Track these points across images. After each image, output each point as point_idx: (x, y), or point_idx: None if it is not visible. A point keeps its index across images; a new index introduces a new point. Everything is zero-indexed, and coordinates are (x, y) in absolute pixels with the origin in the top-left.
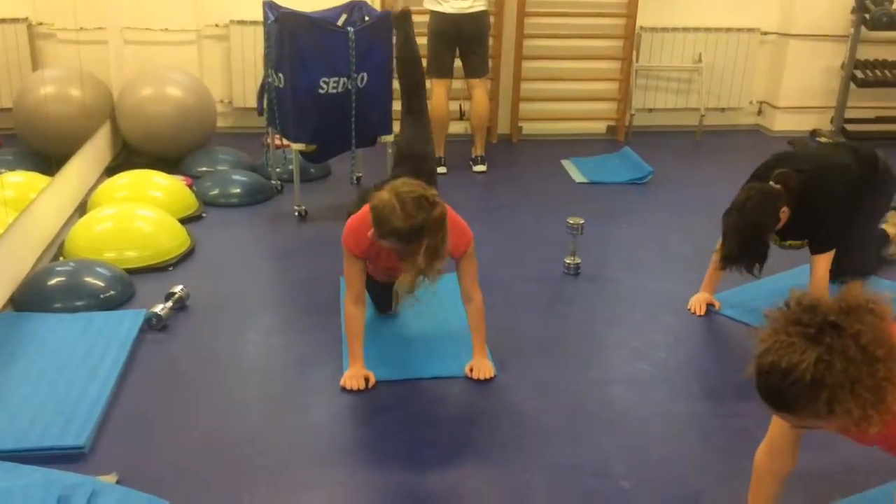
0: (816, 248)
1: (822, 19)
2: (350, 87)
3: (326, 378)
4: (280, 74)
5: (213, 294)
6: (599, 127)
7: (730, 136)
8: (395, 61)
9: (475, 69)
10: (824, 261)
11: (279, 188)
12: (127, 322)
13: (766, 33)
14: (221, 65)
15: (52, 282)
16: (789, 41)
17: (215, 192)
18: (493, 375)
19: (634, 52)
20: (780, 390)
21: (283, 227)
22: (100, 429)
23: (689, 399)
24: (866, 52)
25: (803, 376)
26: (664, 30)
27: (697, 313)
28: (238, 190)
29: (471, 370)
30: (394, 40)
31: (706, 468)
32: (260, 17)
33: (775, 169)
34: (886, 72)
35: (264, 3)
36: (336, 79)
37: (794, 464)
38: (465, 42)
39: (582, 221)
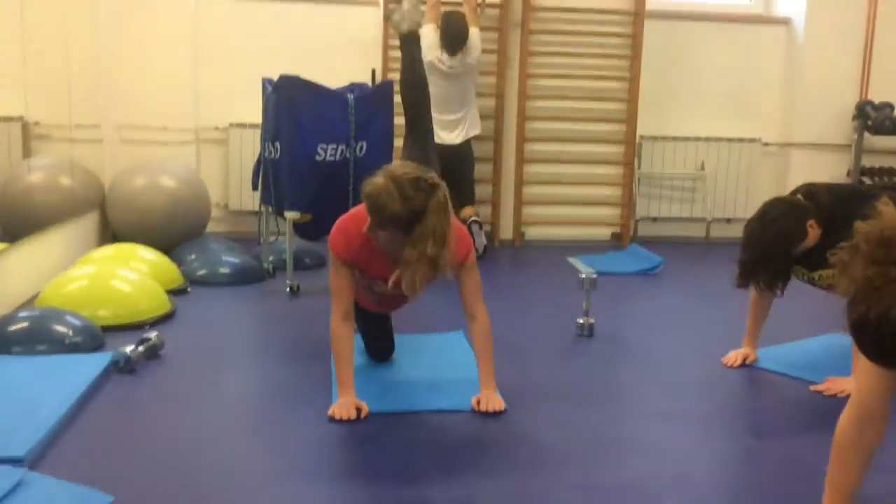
0: None
1: (823, 128)
2: (348, 155)
3: (312, 411)
4: (276, 144)
5: (192, 347)
6: (604, 233)
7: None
8: (399, 84)
9: (463, 200)
10: None
11: (271, 272)
12: (91, 362)
13: (767, 144)
14: (219, 167)
15: (14, 327)
16: (791, 151)
17: (203, 271)
18: (503, 409)
19: (636, 160)
20: (879, 344)
21: (274, 301)
22: (46, 446)
23: (732, 433)
24: (871, 160)
25: None
26: (665, 138)
27: (732, 366)
28: (227, 270)
29: (478, 403)
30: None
31: (759, 496)
32: (260, 120)
33: (801, 187)
34: (894, 178)
35: (263, 79)
36: (334, 146)
37: (882, 434)
38: (449, 173)
39: (595, 275)
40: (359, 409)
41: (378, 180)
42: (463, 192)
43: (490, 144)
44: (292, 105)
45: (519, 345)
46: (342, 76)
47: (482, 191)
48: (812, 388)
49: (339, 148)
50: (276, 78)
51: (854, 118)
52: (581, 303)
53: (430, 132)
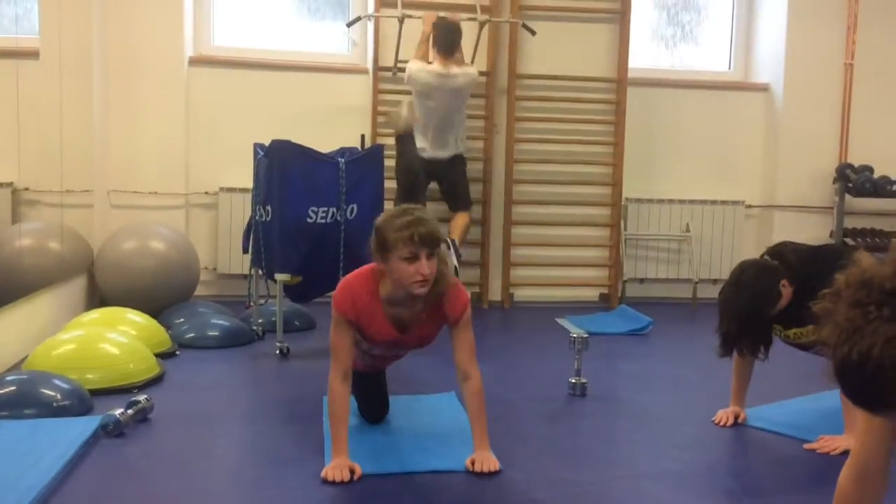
0: None
1: (805, 190)
2: (339, 218)
3: (305, 474)
4: (267, 207)
5: (181, 410)
6: (592, 294)
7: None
8: (395, 171)
9: (457, 204)
10: None
11: (260, 335)
12: (79, 426)
13: (750, 206)
14: (208, 231)
15: (2, 391)
16: (774, 212)
17: (192, 334)
18: (498, 469)
19: (622, 222)
20: (864, 386)
21: (263, 364)
22: None
23: (729, 493)
24: (853, 222)
25: (881, 362)
26: (650, 201)
27: (724, 425)
28: (216, 333)
29: (472, 463)
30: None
31: None
32: (250, 185)
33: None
34: (877, 239)
35: (255, 144)
36: (325, 209)
37: (885, 489)
38: (442, 181)
39: (585, 335)
40: (352, 471)
41: None
42: (457, 198)
43: (478, 207)
44: (284, 168)
45: (512, 404)
46: (332, 141)
47: (470, 253)
48: (805, 446)
49: (330, 210)
50: (267, 143)
51: (835, 181)
52: (572, 363)
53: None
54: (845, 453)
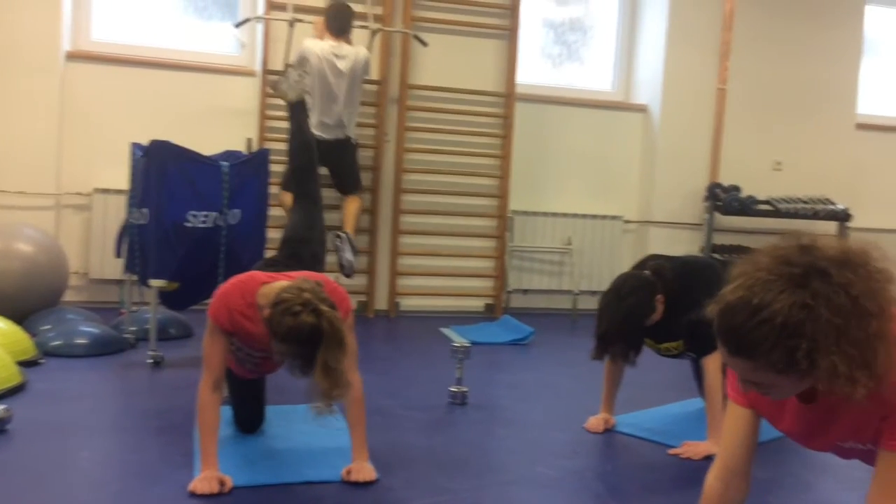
0: (701, 350)
1: (678, 208)
2: (220, 223)
3: (172, 487)
4: (144, 210)
5: (43, 421)
6: (478, 304)
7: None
8: (288, 149)
9: (348, 187)
10: (713, 362)
11: (133, 343)
12: None
13: (628, 221)
14: (80, 234)
15: None
16: (650, 228)
17: (58, 342)
18: (374, 479)
19: (508, 234)
20: (745, 328)
21: (135, 374)
22: None
23: (596, 497)
24: (721, 238)
25: (774, 317)
26: (535, 213)
27: (595, 432)
28: (84, 341)
29: (348, 473)
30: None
31: None
32: (127, 186)
33: (649, 262)
34: (743, 255)
35: (133, 144)
36: (206, 213)
37: (747, 492)
38: (332, 164)
39: (468, 344)
40: (222, 483)
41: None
42: (347, 182)
43: (367, 216)
44: (162, 170)
45: (392, 414)
46: (217, 144)
47: (357, 262)
48: (669, 451)
49: (211, 215)
50: (147, 144)
51: (705, 199)
52: (454, 372)
53: (318, 198)
54: (707, 458)
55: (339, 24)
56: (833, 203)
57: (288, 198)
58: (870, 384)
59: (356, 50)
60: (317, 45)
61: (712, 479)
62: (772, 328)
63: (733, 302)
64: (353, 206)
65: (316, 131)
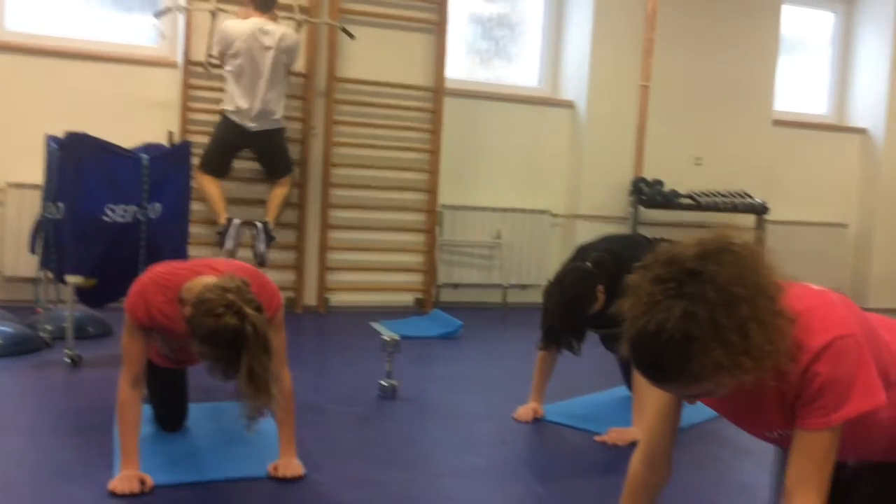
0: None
1: (604, 201)
2: (140, 217)
3: (91, 487)
4: (60, 204)
5: None
6: (408, 299)
7: (533, 313)
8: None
9: (277, 172)
10: None
11: (49, 342)
12: None
13: (556, 215)
14: None
15: None
16: (577, 222)
17: None
18: (302, 474)
19: (438, 228)
20: (656, 356)
21: (51, 373)
22: None
23: (524, 483)
24: (645, 231)
25: (673, 334)
26: (464, 208)
27: (524, 421)
28: None
29: (275, 469)
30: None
31: None
32: (41, 181)
33: (591, 251)
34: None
35: (48, 136)
36: (124, 207)
37: (670, 474)
38: (258, 151)
39: (397, 338)
40: (143, 482)
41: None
42: (275, 168)
43: (295, 210)
44: (79, 163)
45: (321, 409)
46: (137, 137)
47: (285, 257)
48: (596, 438)
49: (130, 209)
50: (62, 136)
51: (630, 193)
52: (384, 366)
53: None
54: (633, 444)
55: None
56: (751, 197)
57: (205, 180)
58: (758, 369)
59: (283, 28)
60: (239, 24)
61: (636, 462)
62: (675, 347)
63: (635, 336)
64: (279, 191)
65: (244, 121)
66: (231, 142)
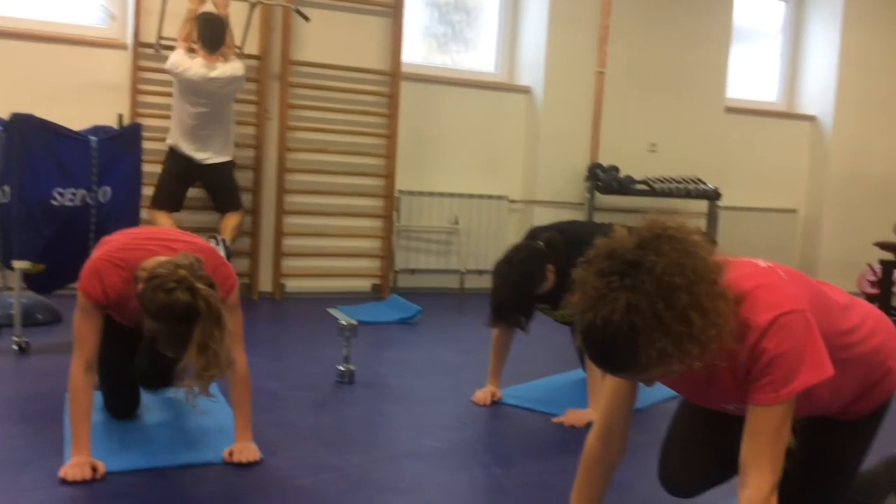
0: None
1: (561, 187)
2: (90, 201)
3: (41, 474)
4: (5, 187)
5: None
6: (365, 285)
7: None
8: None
9: (226, 206)
10: None
11: None
12: None
13: (513, 201)
14: None
15: None
16: (534, 207)
17: None
18: (258, 458)
19: (395, 213)
20: (606, 349)
21: None
22: None
23: (483, 465)
24: (601, 217)
25: (620, 327)
26: (422, 193)
27: (482, 404)
28: None
29: (230, 454)
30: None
31: None
32: None
33: (543, 232)
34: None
35: None
36: (73, 190)
37: (624, 449)
38: (208, 186)
39: (355, 323)
40: (94, 469)
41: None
42: (225, 202)
43: (249, 195)
44: (25, 145)
45: (278, 395)
46: (87, 120)
47: (240, 243)
48: (553, 419)
49: (80, 193)
50: (7, 117)
51: (586, 179)
52: (341, 351)
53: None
54: (589, 425)
55: (212, 37)
56: (704, 183)
57: (157, 215)
58: (704, 353)
59: (232, 66)
60: (186, 65)
61: (592, 439)
62: (622, 340)
63: (584, 330)
64: (231, 220)
65: (193, 152)
66: (180, 175)
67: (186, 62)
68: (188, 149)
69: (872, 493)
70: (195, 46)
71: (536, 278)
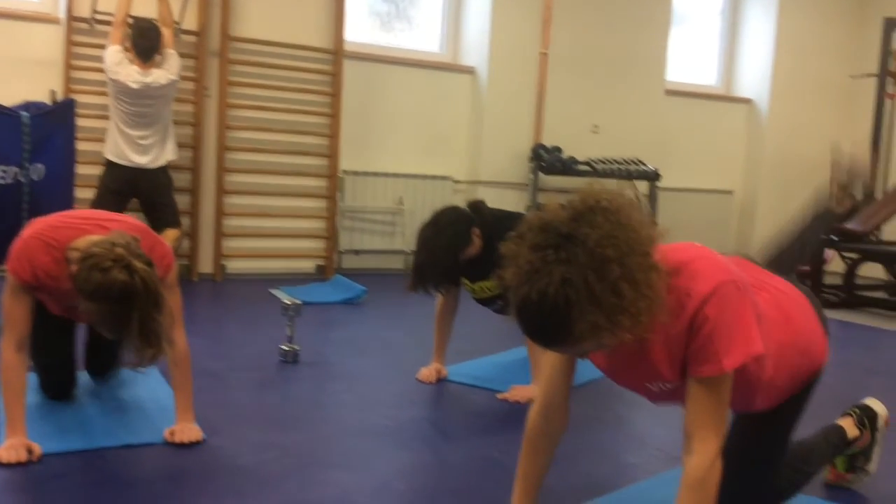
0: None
1: (505, 168)
2: (22, 178)
3: None
4: None
5: None
6: (309, 266)
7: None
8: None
9: (165, 221)
10: None
11: None
12: None
13: (458, 181)
14: None
15: None
16: (479, 188)
17: None
18: (200, 438)
19: (339, 194)
20: (541, 323)
21: None
22: None
23: (429, 442)
24: (545, 198)
25: (556, 301)
26: (366, 174)
27: (428, 382)
28: None
29: (171, 434)
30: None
31: (455, 495)
32: None
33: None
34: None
35: None
36: (4, 168)
37: (566, 422)
38: (141, 196)
39: (299, 302)
40: (30, 451)
41: None
42: (160, 217)
43: (188, 174)
44: None
45: (220, 375)
46: (17, 96)
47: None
48: (498, 395)
49: (11, 170)
50: None
51: (530, 159)
52: (285, 331)
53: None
54: (532, 400)
55: (145, 48)
56: (644, 164)
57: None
58: (636, 326)
59: (166, 72)
60: (124, 70)
61: (534, 414)
62: (557, 313)
63: (519, 304)
64: (170, 234)
65: (132, 155)
66: (117, 189)
67: (123, 70)
68: (127, 152)
69: (811, 461)
70: (129, 55)
71: (461, 240)
